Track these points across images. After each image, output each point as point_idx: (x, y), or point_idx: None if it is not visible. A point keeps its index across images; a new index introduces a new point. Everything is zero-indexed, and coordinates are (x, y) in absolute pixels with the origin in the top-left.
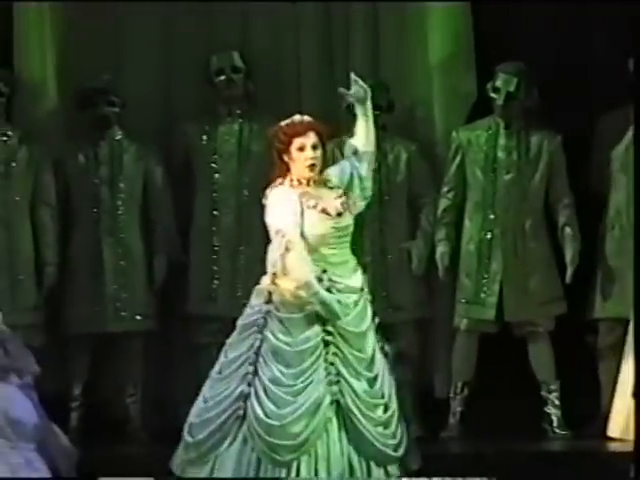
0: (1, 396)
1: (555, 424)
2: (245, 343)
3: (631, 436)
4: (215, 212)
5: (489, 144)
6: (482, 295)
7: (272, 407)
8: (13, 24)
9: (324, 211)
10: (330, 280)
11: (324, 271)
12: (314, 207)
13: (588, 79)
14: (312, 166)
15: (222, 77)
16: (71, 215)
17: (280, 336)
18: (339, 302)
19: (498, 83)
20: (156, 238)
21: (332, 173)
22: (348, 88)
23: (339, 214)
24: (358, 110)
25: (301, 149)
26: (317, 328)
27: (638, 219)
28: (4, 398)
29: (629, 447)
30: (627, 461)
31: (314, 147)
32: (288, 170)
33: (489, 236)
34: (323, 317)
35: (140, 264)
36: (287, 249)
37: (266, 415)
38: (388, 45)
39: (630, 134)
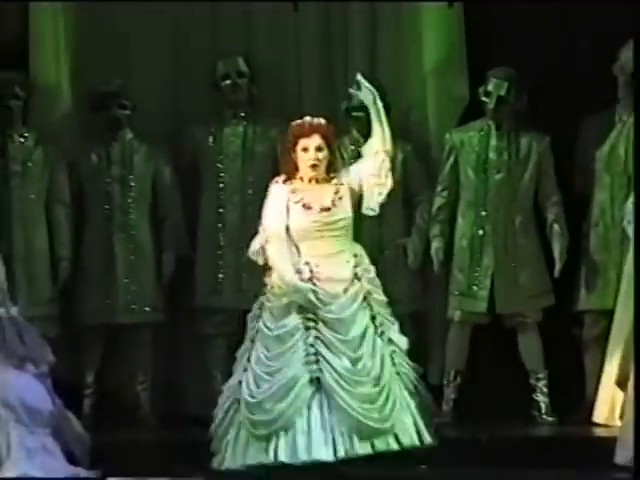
0: (18, 384)
1: (543, 411)
2: (248, 335)
3: (615, 422)
4: (221, 210)
5: (481, 145)
6: (474, 288)
7: (253, 387)
8: (29, 30)
9: (306, 206)
10: (312, 271)
11: (307, 263)
12: (298, 202)
13: (572, 81)
14: (313, 166)
15: (228, 81)
16: (84, 213)
17: (268, 324)
18: (315, 292)
19: (489, 87)
20: (165, 235)
21: (342, 173)
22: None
23: (325, 209)
24: (371, 111)
25: (305, 150)
26: (297, 315)
27: (638, 218)
28: (21, 386)
29: (613, 432)
30: (611, 445)
31: (318, 149)
32: (297, 167)
33: (481, 232)
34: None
35: (150, 259)
36: (267, 241)
37: (250, 395)
38: (385, 48)
39: (613, 135)
